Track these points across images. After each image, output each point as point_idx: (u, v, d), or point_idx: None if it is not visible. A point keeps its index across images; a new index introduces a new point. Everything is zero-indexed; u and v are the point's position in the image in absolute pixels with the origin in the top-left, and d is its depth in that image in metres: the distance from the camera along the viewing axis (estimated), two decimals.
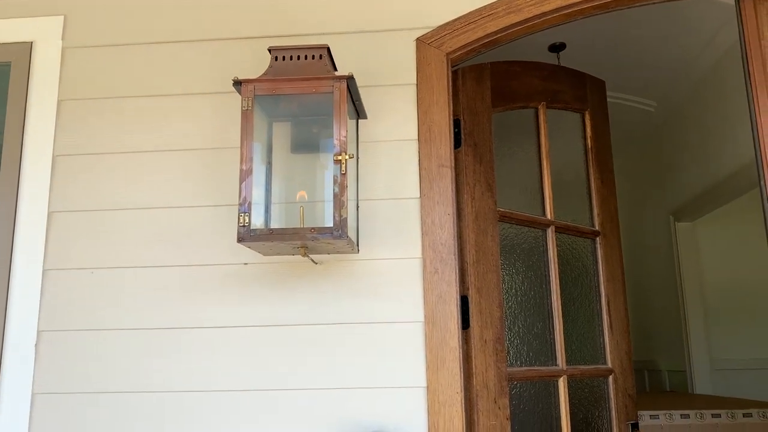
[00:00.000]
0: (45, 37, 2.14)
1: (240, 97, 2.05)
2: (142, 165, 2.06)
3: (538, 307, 2.24)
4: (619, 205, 2.55)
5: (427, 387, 1.86)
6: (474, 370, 1.99)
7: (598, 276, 2.38)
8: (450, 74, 2.05)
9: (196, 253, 1.99)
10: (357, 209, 1.96)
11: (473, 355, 2.00)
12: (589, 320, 2.36)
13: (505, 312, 2.14)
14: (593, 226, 2.40)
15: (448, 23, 2.06)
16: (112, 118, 2.10)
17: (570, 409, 2.18)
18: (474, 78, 2.20)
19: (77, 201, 2.04)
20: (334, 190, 1.69)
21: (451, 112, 2.03)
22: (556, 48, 3.75)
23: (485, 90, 2.20)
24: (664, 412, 3.18)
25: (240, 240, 1.68)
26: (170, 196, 2.03)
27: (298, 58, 1.81)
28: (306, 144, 1.97)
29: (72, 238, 2.02)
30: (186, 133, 2.07)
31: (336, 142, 1.71)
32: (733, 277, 4.93)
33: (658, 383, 5.05)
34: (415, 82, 2.04)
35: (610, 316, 2.36)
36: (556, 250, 2.26)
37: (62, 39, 2.15)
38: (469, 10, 2.06)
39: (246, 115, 1.74)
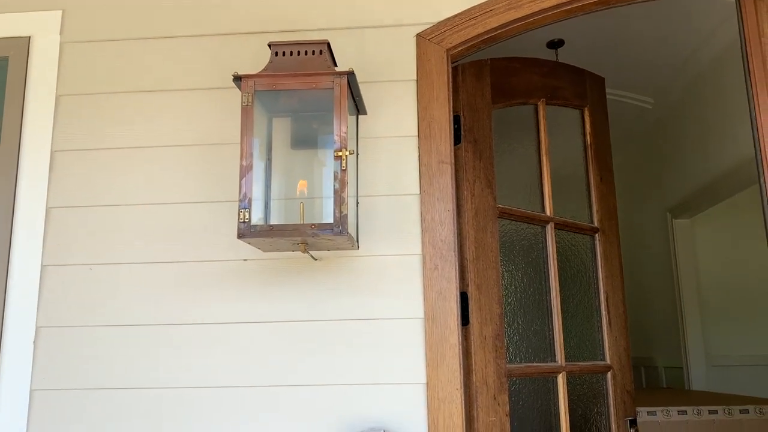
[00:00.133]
0: (43, 32, 2.13)
1: (239, 92, 2.05)
2: (142, 161, 2.05)
3: (537, 304, 2.24)
4: (617, 202, 2.55)
5: (427, 383, 1.86)
6: (474, 367, 1.99)
7: (597, 273, 2.38)
8: (450, 70, 2.04)
9: (195, 249, 1.98)
10: (357, 205, 1.96)
11: (473, 352, 2.00)
12: (588, 317, 2.36)
13: (505, 309, 2.14)
14: (592, 222, 2.41)
15: (448, 19, 2.05)
16: (111, 114, 2.09)
17: (569, 406, 2.18)
18: (474, 74, 2.19)
19: (76, 197, 2.04)
20: (334, 186, 1.69)
21: (451, 109, 2.02)
22: (555, 45, 3.75)
23: (485, 86, 2.20)
24: (662, 408, 3.19)
25: (240, 236, 1.68)
26: (169, 192, 2.02)
27: (298, 53, 1.80)
28: (306, 140, 1.97)
29: (70, 234, 2.01)
30: (185, 129, 2.06)
31: (336, 138, 1.71)
32: (730, 274, 4.94)
33: (655, 379, 5.07)
34: (415, 78, 2.03)
35: (608, 312, 2.36)
36: (555, 246, 2.27)
37: (60, 34, 2.14)
38: (469, 6, 2.06)
39: (246, 111, 1.74)
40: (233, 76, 1.75)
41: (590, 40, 3.71)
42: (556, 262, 2.25)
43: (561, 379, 2.18)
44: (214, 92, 2.08)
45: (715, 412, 3.19)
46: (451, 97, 2.02)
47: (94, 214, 2.02)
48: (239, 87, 1.76)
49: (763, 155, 1.92)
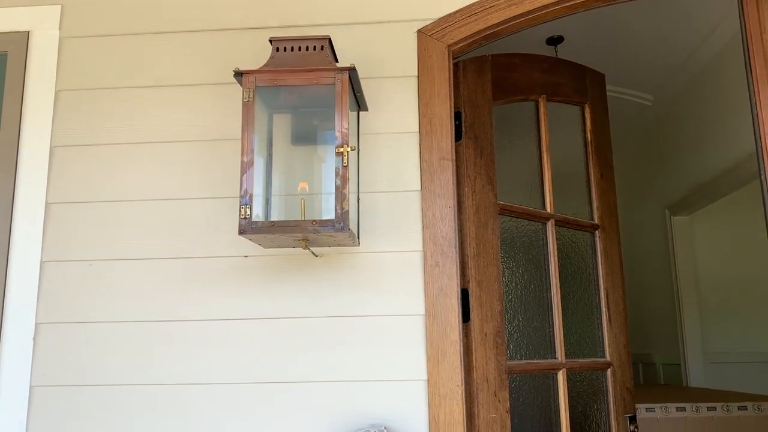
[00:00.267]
0: (42, 27, 2.12)
1: (240, 88, 2.04)
2: (141, 156, 2.04)
3: (537, 301, 2.24)
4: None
5: (428, 380, 1.86)
6: (474, 363, 1.99)
7: (597, 269, 2.38)
8: (451, 66, 2.04)
9: (195, 245, 1.98)
10: (358, 202, 1.96)
11: (473, 349, 2.00)
12: (588, 314, 2.36)
13: (505, 305, 2.13)
14: (593, 219, 2.40)
15: (449, 15, 2.05)
16: (111, 109, 2.08)
17: (569, 402, 2.18)
18: (475, 70, 2.19)
19: (75, 192, 2.03)
20: (335, 182, 1.68)
21: (452, 105, 2.02)
22: (554, 41, 3.75)
23: (486, 82, 2.19)
24: (660, 405, 3.19)
25: (241, 232, 1.67)
26: (169, 187, 2.02)
27: (300, 49, 1.79)
28: (306, 136, 1.96)
29: (70, 229, 2.01)
30: (185, 125, 2.05)
31: (338, 134, 1.70)
32: (728, 271, 4.95)
33: (653, 376, 5.08)
34: (416, 74, 2.03)
35: (608, 309, 2.36)
36: (555, 243, 2.26)
37: (59, 28, 2.13)
38: (470, 2, 2.05)
39: (247, 107, 1.73)
40: (234, 71, 1.74)
41: (590, 36, 3.70)
42: (556, 258, 2.25)
43: (561, 376, 2.18)
44: (214, 88, 2.07)
45: (714, 408, 3.19)
46: (452, 94, 2.02)
47: (93, 209, 2.02)
48: (240, 83, 1.75)
49: (763, 150, 1.92)
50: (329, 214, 1.83)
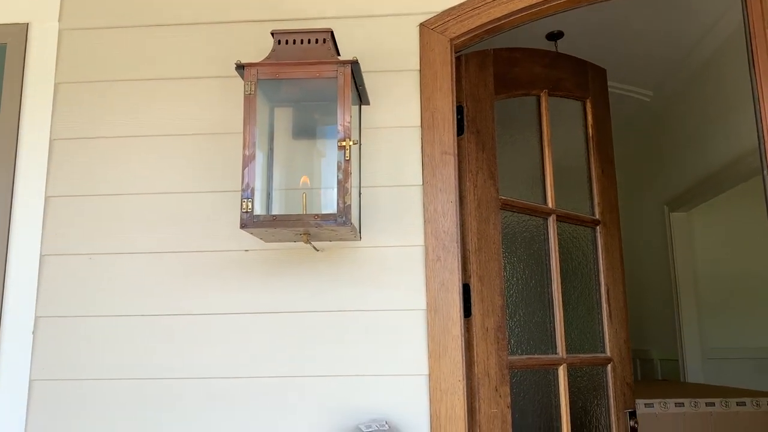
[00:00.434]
0: (41, 18, 2.10)
1: (241, 81, 2.03)
2: (142, 149, 2.03)
3: (538, 296, 2.23)
4: None
5: (429, 375, 1.86)
6: (475, 359, 1.99)
7: (598, 265, 2.38)
8: (453, 60, 2.03)
9: (196, 239, 1.97)
10: (359, 196, 1.95)
11: (475, 344, 2.00)
12: (589, 309, 2.36)
13: (507, 300, 2.13)
14: (593, 215, 2.40)
15: (452, 8, 2.03)
16: (111, 102, 2.06)
17: (569, 398, 2.18)
18: (477, 64, 2.18)
19: (75, 185, 2.01)
20: (337, 176, 1.67)
21: (455, 99, 2.01)
22: (554, 36, 3.74)
23: (488, 77, 2.18)
24: (659, 400, 3.20)
25: (243, 226, 1.66)
26: (170, 181, 2.00)
27: (302, 42, 1.78)
28: (308, 130, 1.95)
29: (70, 223, 1.99)
30: (186, 118, 2.04)
31: (340, 127, 1.69)
32: (726, 267, 4.95)
33: (650, 372, 5.09)
34: (418, 68, 2.02)
35: (609, 305, 2.36)
36: (557, 238, 2.26)
37: (59, 20, 2.11)
38: None
39: (249, 100, 1.72)
40: (236, 64, 1.73)
41: (590, 32, 3.69)
42: (557, 254, 2.25)
43: (562, 371, 2.18)
44: (216, 81, 2.06)
45: (712, 404, 3.20)
46: (454, 88, 2.01)
47: (93, 203, 2.00)
48: (242, 76, 1.74)
49: (766, 146, 1.92)
50: (331, 208, 1.83)
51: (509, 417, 2.01)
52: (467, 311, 2.01)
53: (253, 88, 1.72)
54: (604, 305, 2.35)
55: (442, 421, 1.83)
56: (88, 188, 2.01)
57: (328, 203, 1.86)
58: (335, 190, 1.70)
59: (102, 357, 1.92)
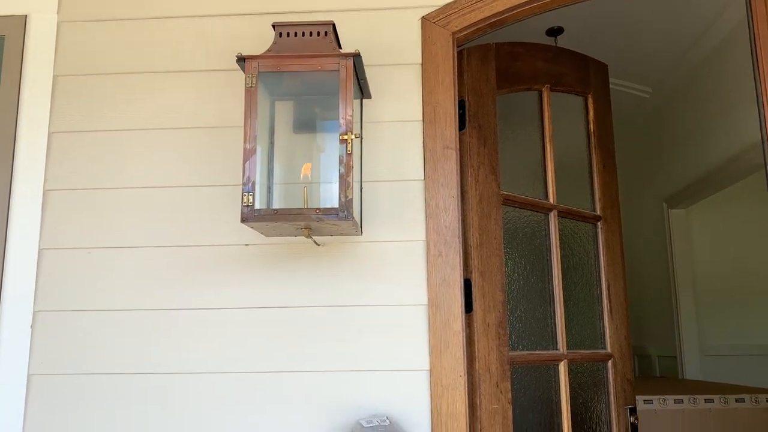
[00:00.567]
0: (40, 11, 2.08)
1: (241, 74, 2.02)
2: (141, 143, 2.01)
3: (539, 292, 2.22)
4: None
5: (431, 370, 1.85)
6: (477, 354, 1.98)
7: (598, 261, 2.37)
8: (455, 54, 2.01)
9: (195, 233, 1.95)
10: (361, 191, 1.94)
11: (476, 339, 1.99)
12: (590, 305, 2.35)
13: (508, 296, 2.12)
14: (595, 210, 2.39)
15: (454, 2, 2.02)
16: (110, 95, 2.05)
17: (570, 394, 2.17)
18: (479, 58, 2.16)
19: (74, 179, 2.00)
20: (339, 170, 1.66)
21: (456, 93, 2.00)
22: (554, 32, 3.73)
23: (490, 71, 2.17)
24: (658, 396, 3.20)
25: (243, 220, 1.65)
26: (169, 175, 1.99)
27: (303, 34, 1.77)
28: (309, 123, 1.94)
29: (68, 217, 1.98)
30: (185, 111, 2.02)
31: (342, 121, 1.68)
32: (724, 263, 4.96)
33: (648, 368, 5.09)
34: (420, 61, 2.00)
35: (610, 301, 2.35)
36: (558, 234, 2.25)
37: (57, 12, 2.09)
38: None
39: (250, 93, 1.70)
40: (237, 56, 1.71)
41: (590, 28, 3.68)
42: (558, 249, 2.24)
43: (563, 367, 2.17)
44: (215, 74, 2.04)
45: (711, 401, 3.20)
46: (456, 82, 1.99)
47: (92, 196, 1.99)
48: (243, 68, 1.73)
49: None
50: (332, 202, 1.81)
51: (510, 413, 2.00)
52: (468, 307, 2.00)
53: (254, 81, 1.71)
54: (605, 301, 2.34)
55: (443, 416, 1.82)
56: (87, 182, 2.00)
57: (330, 197, 1.85)
58: (337, 184, 1.69)
59: (100, 351, 1.90)
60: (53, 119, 2.04)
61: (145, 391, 1.88)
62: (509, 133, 2.24)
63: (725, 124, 3.73)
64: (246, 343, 1.89)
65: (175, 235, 1.96)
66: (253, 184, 1.67)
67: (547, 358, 2.17)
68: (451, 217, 1.92)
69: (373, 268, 1.91)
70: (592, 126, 2.43)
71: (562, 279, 2.26)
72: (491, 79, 2.17)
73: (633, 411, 2.33)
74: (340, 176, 1.66)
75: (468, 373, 1.97)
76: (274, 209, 1.68)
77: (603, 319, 2.35)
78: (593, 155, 2.41)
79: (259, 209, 1.67)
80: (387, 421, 1.77)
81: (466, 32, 2.02)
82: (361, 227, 1.91)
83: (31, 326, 1.92)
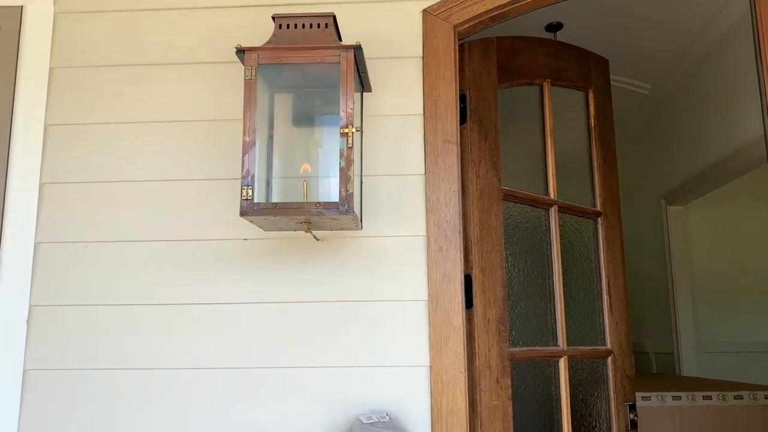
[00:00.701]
0: (35, 2, 2.05)
1: (239, 67, 1.99)
2: (138, 136, 1.99)
3: (539, 287, 2.21)
4: None
5: (431, 366, 1.83)
6: (477, 350, 1.97)
7: (599, 257, 2.36)
8: (457, 47, 1.99)
9: (193, 227, 1.93)
10: (361, 185, 1.92)
11: (476, 335, 1.97)
12: (590, 301, 2.34)
13: (508, 292, 2.11)
14: (595, 206, 2.38)
15: None
16: (107, 87, 2.02)
17: (570, 390, 2.16)
18: (480, 52, 2.14)
19: (70, 172, 1.97)
20: (340, 163, 1.64)
21: (458, 87, 1.98)
22: (554, 28, 3.71)
23: (491, 65, 2.15)
24: (656, 393, 3.19)
25: (243, 214, 1.63)
26: (168, 168, 1.97)
27: (303, 26, 1.74)
28: (309, 116, 1.92)
29: (65, 210, 1.95)
30: (184, 104, 2.00)
31: (342, 114, 1.66)
32: (722, 260, 4.96)
33: (645, 365, 5.09)
34: (421, 54, 1.98)
35: (610, 297, 2.34)
36: (558, 230, 2.24)
37: (54, 3, 2.06)
38: None
39: (249, 85, 1.68)
40: (236, 48, 1.69)
41: (589, 23, 3.67)
42: (559, 245, 2.23)
43: (563, 363, 2.16)
44: (213, 66, 2.02)
45: (709, 398, 3.19)
46: (457, 75, 1.97)
47: (88, 190, 1.96)
48: (242, 60, 1.70)
49: None
50: (333, 196, 1.79)
51: (510, 409, 1.98)
52: (469, 302, 1.98)
53: (253, 73, 1.68)
54: (605, 297, 2.33)
55: (444, 413, 1.81)
56: (84, 175, 1.97)
57: (330, 192, 1.83)
58: (337, 178, 1.67)
59: (97, 347, 1.88)
60: (49, 112, 2.01)
61: (141, 387, 1.86)
62: (510, 127, 2.23)
63: (724, 121, 3.72)
64: (244, 338, 1.87)
65: (172, 229, 1.93)
66: (253, 177, 1.64)
67: (548, 354, 2.16)
68: (451, 211, 1.90)
69: (372, 263, 1.89)
70: (592, 121, 2.41)
71: (563, 275, 2.24)
72: (492, 73, 2.15)
73: (633, 408, 2.32)
74: (341, 170, 1.64)
75: (468, 369, 1.95)
76: (274, 203, 1.66)
77: (603, 315, 2.34)
78: (594, 151, 2.40)
79: (259, 203, 1.65)
80: (387, 417, 1.75)
81: (467, 25, 2.00)
82: (361, 222, 1.89)
83: (27, 321, 1.90)
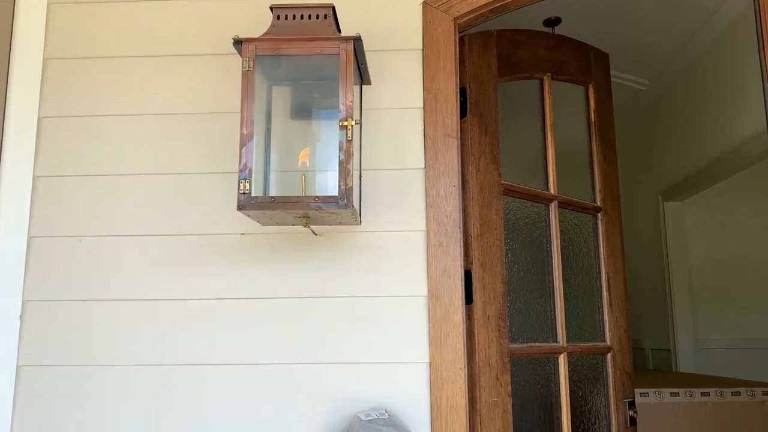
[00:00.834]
0: None
1: (236, 60, 1.96)
2: (134, 129, 1.96)
3: (539, 283, 2.19)
4: None
5: (430, 363, 1.81)
6: (477, 347, 1.94)
7: (598, 252, 2.34)
8: (457, 40, 1.97)
9: (189, 221, 1.90)
10: (360, 179, 1.89)
11: (476, 331, 1.95)
12: (590, 297, 2.32)
13: (507, 288, 2.09)
14: (595, 202, 2.36)
15: None
16: (102, 79, 1.99)
17: (569, 387, 2.15)
18: (480, 45, 2.12)
19: (64, 165, 1.94)
20: (339, 157, 1.61)
21: (458, 80, 1.95)
22: (552, 22, 3.69)
23: (492, 58, 2.13)
24: (654, 390, 3.18)
25: (240, 208, 1.60)
26: (163, 162, 1.94)
27: (302, 17, 1.72)
28: (307, 109, 1.89)
29: (59, 204, 1.92)
30: (180, 96, 1.97)
31: (342, 106, 1.63)
32: (719, 257, 4.95)
33: (642, 361, 5.09)
34: (420, 47, 1.96)
35: (610, 293, 2.32)
36: (558, 225, 2.22)
37: None
38: None
39: (247, 77, 1.65)
40: (234, 39, 1.66)
41: (588, 19, 3.64)
42: (559, 241, 2.21)
43: (562, 360, 2.14)
44: (209, 58, 1.98)
45: (707, 394, 3.18)
46: (458, 68, 1.95)
47: (83, 183, 1.93)
48: (239, 51, 1.67)
49: None
50: (332, 190, 1.77)
51: (510, 406, 1.97)
52: (468, 298, 1.96)
53: (251, 65, 1.66)
54: (605, 293, 2.31)
55: (443, 409, 1.79)
56: (78, 168, 1.94)
57: (328, 186, 1.80)
58: (336, 172, 1.64)
59: (91, 342, 1.86)
60: (43, 104, 1.98)
61: (136, 383, 1.83)
62: (510, 121, 2.20)
63: (722, 117, 3.71)
64: (241, 334, 1.84)
65: (168, 223, 1.91)
66: (250, 170, 1.62)
67: (547, 350, 2.14)
68: (451, 206, 1.88)
69: (372, 258, 1.87)
70: (592, 116, 2.39)
71: (563, 271, 2.22)
72: (493, 66, 2.13)
73: (632, 404, 2.31)
74: (340, 163, 1.61)
75: (468, 365, 1.93)
76: (272, 197, 1.63)
77: (603, 311, 2.32)
78: (594, 146, 2.38)
79: (256, 197, 1.62)
80: (386, 414, 1.73)
81: (467, 17, 1.97)
82: (360, 216, 1.87)
83: (20, 316, 1.87)
